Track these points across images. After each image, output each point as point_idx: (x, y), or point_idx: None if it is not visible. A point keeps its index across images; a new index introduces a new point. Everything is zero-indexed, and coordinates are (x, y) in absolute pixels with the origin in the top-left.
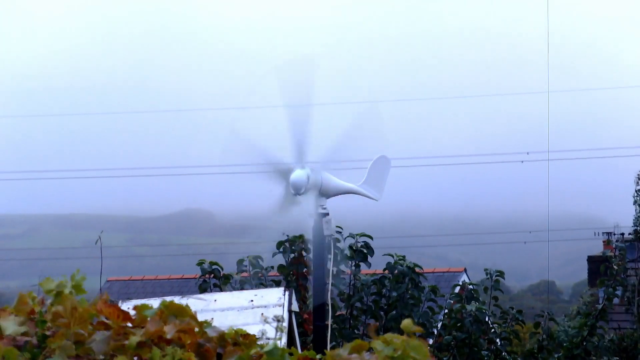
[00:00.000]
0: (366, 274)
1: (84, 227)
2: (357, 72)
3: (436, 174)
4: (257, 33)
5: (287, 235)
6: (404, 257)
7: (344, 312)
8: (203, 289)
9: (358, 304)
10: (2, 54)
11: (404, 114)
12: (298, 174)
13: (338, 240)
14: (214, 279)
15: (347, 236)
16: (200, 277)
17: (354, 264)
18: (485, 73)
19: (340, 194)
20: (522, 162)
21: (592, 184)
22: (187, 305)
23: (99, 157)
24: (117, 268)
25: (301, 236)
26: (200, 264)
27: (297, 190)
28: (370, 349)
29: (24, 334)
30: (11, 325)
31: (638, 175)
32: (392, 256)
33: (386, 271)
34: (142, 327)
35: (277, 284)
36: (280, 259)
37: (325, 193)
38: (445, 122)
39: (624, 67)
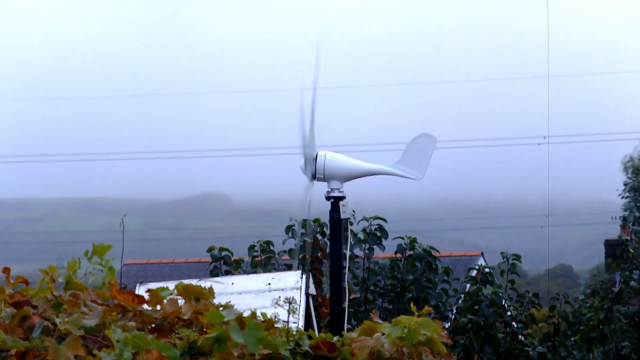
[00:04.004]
0: (384, 257)
1: (102, 210)
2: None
3: (454, 157)
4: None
5: (295, 220)
6: (415, 239)
7: (357, 295)
8: (215, 275)
9: (377, 288)
10: (21, 38)
11: (421, 99)
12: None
13: (351, 224)
14: (225, 265)
15: (361, 219)
16: (211, 263)
17: (367, 247)
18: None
19: (362, 176)
20: (538, 144)
21: (610, 168)
22: (211, 288)
23: (117, 141)
24: (135, 251)
25: (317, 219)
26: (210, 250)
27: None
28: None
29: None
30: None
31: (626, 164)
32: (403, 238)
33: (397, 254)
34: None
35: (290, 267)
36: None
37: (340, 176)
38: (461, 107)
39: None
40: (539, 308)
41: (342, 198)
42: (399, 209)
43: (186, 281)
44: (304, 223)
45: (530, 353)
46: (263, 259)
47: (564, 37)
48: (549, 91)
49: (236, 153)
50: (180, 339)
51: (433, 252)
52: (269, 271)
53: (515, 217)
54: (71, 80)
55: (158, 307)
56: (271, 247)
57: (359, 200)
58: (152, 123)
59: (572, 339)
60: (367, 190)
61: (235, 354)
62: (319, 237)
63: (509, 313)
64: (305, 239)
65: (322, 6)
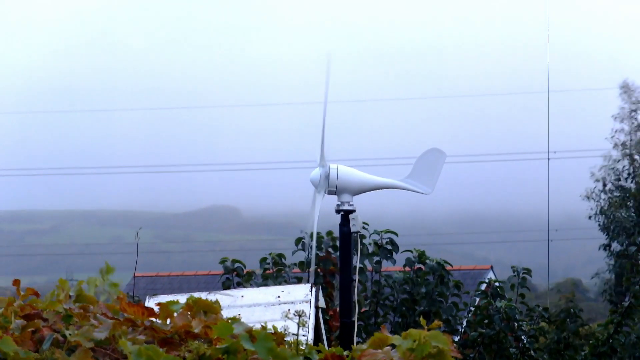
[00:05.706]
0: (398, 272)
1: (112, 223)
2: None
3: (463, 171)
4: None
5: (305, 232)
6: (423, 252)
7: (367, 308)
8: (226, 286)
9: (388, 301)
10: (24, 50)
11: (433, 113)
12: (315, 172)
13: (363, 237)
14: (237, 277)
15: (373, 232)
16: (223, 274)
17: (375, 260)
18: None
19: (372, 189)
20: (548, 159)
21: None
22: (216, 301)
23: (127, 154)
24: (144, 264)
25: (330, 232)
26: (223, 261)
27: (315, 187)
28: (392, 344)
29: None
30: None
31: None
32: (412, 252)
33: (406, 268)
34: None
35: (299, 281)
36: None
37: (351, 190)
38: (472, 121)
39: None
40: (548, 322)
41: (352, 211)
42: (410, 222)
43: (196, 294)
44: (312, 235)
45: None
46: (274, 272)
47: (565, 51)
48: (551, 105)
49: (246, 167)
50: (190, 351)
51: (445, 266)
52: (280, 284)
53: (525, 231)
54: (82, 92)
55: (168, 321)
56: (283, 260)
57: (372, 213)
58: (162, 136)
59: (582, 353)
60: (380, 203)
61: None
62: (331, 251)
63: (520, 327)
64: (317, 252)
65: (334, 21)
